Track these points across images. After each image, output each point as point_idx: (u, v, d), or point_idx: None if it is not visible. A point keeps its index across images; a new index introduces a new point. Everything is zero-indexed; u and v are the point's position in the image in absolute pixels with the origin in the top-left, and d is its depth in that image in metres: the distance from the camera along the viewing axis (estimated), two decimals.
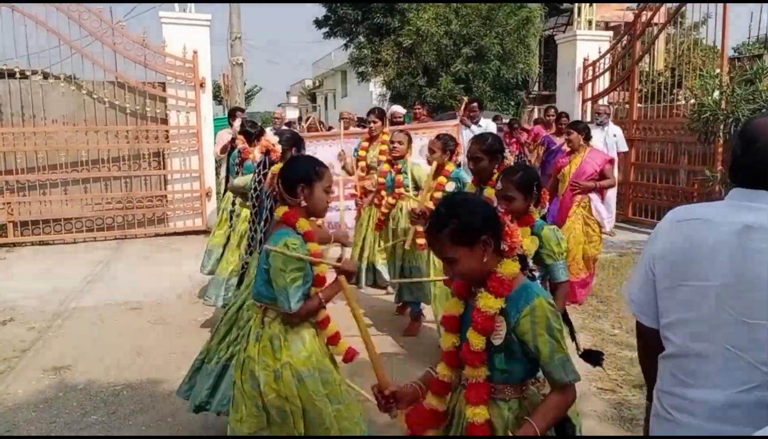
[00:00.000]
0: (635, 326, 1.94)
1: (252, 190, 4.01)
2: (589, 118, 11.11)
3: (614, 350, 4.99)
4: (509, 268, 1.95)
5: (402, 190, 5.41)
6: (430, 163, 5.11)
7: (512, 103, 16.30)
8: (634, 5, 15.22)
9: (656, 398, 1.79)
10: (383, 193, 5.53)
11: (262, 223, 3.64)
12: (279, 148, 4.24)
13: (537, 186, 3.16)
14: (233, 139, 7.86)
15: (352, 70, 17.84)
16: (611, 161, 6.48)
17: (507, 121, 10.75)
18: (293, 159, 3.36)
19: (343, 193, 5.58)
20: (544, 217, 3.57)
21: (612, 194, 7.20)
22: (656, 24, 10.87)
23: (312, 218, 2.87)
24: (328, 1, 16.54)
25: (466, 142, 7.65)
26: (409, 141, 5.57)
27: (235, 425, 2.78)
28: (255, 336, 2.76)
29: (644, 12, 10.84)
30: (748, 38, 10.66)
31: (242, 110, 8.60)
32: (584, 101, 11.94)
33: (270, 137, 4.27)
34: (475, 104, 8.64)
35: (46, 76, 9.47)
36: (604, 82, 11.66)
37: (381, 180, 5.58)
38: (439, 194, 4.73)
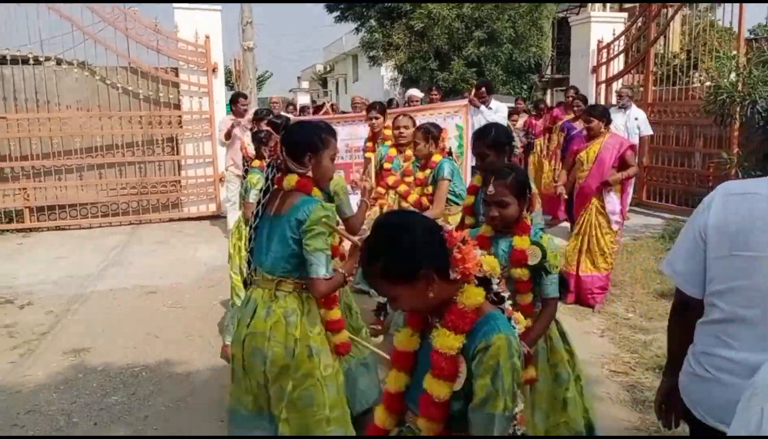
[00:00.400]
0: (675, 298, 2.00)
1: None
2: (603, 102, 11.03)
3: (628, 333, 5.00)
4: (472, 297, 1.64)
5: (411, 179, 5.05)
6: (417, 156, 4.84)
7: (525, 86, 16.17)
8: None
9: (693, 360, 1.88)
10: (390, 179, 5.15)
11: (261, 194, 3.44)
12: (251, 150, 4.12)
13: (529, 188, 2.79)
14: (232, 126, 7.90)
15: (364, 55, 17.74)
16: (632, 147, 5.96)
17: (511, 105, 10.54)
18: (297, 125, 3.11)
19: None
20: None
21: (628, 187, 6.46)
22: (671, 5, 10.74)
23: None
24: (337, 1, 16.48)
25: (476, 124, 7.56)
26: (414, 124, 5.22)
27: (234, 401, 2.77)
28: (265, 311, 2.65)
29: None
30: (766, 19, 10.52)
31: (245, 97, 8.58)
32: (598, 84, 11.83)
33: (245, 140, 4.02)
34: (483, 89, 8.43)
35: (59, 62, 9.53)
36: (618, 65, 11.54)
37: (387, 166, 5.26)
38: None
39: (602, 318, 5.35)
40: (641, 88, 11.11)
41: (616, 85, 11.08)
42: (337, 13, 17.00)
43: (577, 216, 5.90)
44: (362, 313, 3.67)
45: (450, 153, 5.00)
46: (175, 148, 10.15)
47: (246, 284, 3.00)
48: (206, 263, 7.15)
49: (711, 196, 1.87)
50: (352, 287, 4.84)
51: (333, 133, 2.79)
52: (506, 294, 1.73)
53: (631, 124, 8.44)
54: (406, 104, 9.18)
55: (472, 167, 5.86)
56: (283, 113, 9.54)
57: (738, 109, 7.76)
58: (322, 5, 17.23)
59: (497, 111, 7.87)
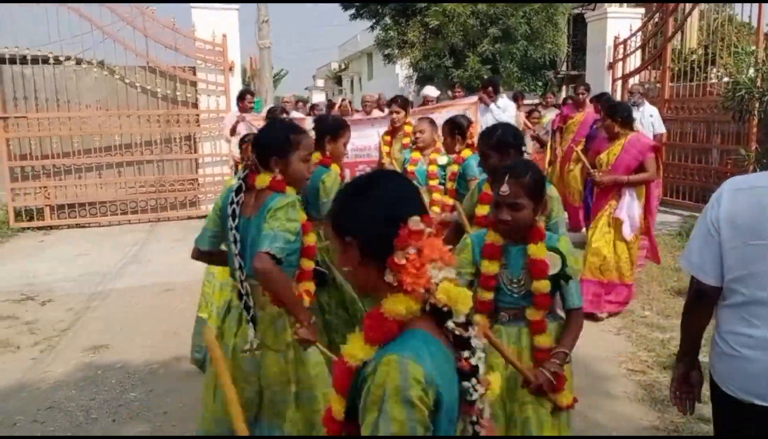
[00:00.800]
0: (691, 286, 2.13)
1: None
2: (619, 98, 10.94)
3: (645, 331, 4.97)
4: (397, 305, 1.29)
5: (436, 183, 4.81)
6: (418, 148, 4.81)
7: (540, 83, 16.11)
8: None
9: (720, 340, 2.04)
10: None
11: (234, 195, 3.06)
12: (237, 153, 3.79)
13: (544, 189, 2.45)
14: (237, 122, 7.97)
15: (379, 53, 17.78)
16: (654, 149, 5.28)
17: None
18: (267, 127, 2.95)
19: None
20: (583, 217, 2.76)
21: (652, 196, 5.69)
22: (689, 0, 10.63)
23: None
24: (351, 0, 16.50)
25: (485, 122, 7.50)
26: (432, 125, 5.03)
27: (213, 423, 2.61)
28: (250, 318, 2.56)
29: None
30: None
31: (252, 94, 8.64)
32: (615, 80, 11.75)
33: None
34: (490, 88, 8.10)
35: (78, 61, 9.64)
36: (635, 61, 11.45)
37: (410, 169, 5.00)
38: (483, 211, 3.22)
39: (619, 316, 5.33)
40: (658, 85, 11.02)
41: (632, 81, 11.00)
42: (352, 11, 17.03)
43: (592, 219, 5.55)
44: None
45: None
46: (193, 147, 10.24)
47: (240, 295, 2.66)
48: None
49: (719, 191, 2.01)
50: None
51: (303, 134, 2.64)
52: (477, 344, 1.34)
53: (646, 121, 8.24)
54: (422, 104, 9.16)
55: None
56: (294, 112, 9.60)
57: (757, 105, 7.68)
58: (337, 4, 17.26)
59: (505, 109, 7.76)
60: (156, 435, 3.63)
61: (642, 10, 12.95)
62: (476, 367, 1.33)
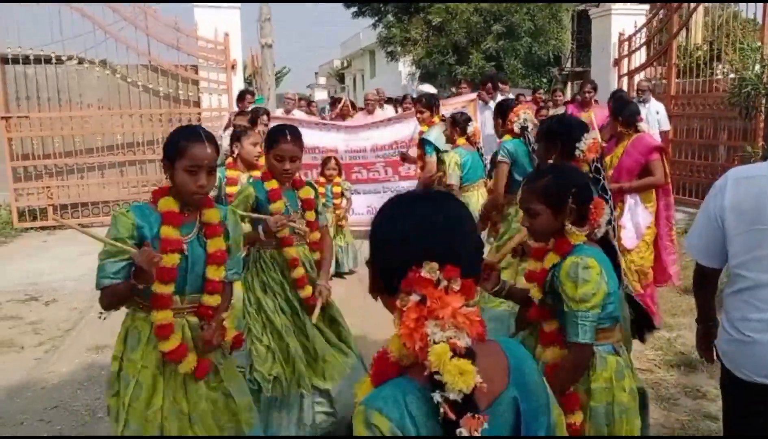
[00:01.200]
0: (695, 268, 2.33)
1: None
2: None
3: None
4: (394, 347, 1.17)
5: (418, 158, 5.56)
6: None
7: (544, 80, 16.05)
8: None
9: (730, 326, 2.10)
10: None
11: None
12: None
13: (576, 195, 2.16)
14: (229, 120, 7.92)
15: (381, 50, 17.74)
16: (658, 149, 4.75)
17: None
18: (176, 129, 2.62)
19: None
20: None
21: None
22: None
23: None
24: (352, 1, 16.45)
25: (484, 119, 7.49)
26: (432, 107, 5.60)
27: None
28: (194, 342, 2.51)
29: None
30: None
31: (252, 94, 8.62)
32: (620, 77, 11.68)
33: None
34: (489, 85, 8.14)
35: (81, 61, 9.63)
36: (640, 57, 11.38)
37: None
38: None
39: None
40: (664, 81, 10.97)
41: (638, 78, 10.94)
42: (354, 9, 16.99)
43: None
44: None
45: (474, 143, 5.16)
46: None
47: None
48: None
49: (723, 180, 2.10)
50: None
51: (196, 140, 2.26)
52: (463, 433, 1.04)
53: (653, 117, 8.16)
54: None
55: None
56: (296, 111, 9.58)
57: (763, 101, 7.64)
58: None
59: None
60: (159, 435, 3.60)
61: (646, 6, 12.89)
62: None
